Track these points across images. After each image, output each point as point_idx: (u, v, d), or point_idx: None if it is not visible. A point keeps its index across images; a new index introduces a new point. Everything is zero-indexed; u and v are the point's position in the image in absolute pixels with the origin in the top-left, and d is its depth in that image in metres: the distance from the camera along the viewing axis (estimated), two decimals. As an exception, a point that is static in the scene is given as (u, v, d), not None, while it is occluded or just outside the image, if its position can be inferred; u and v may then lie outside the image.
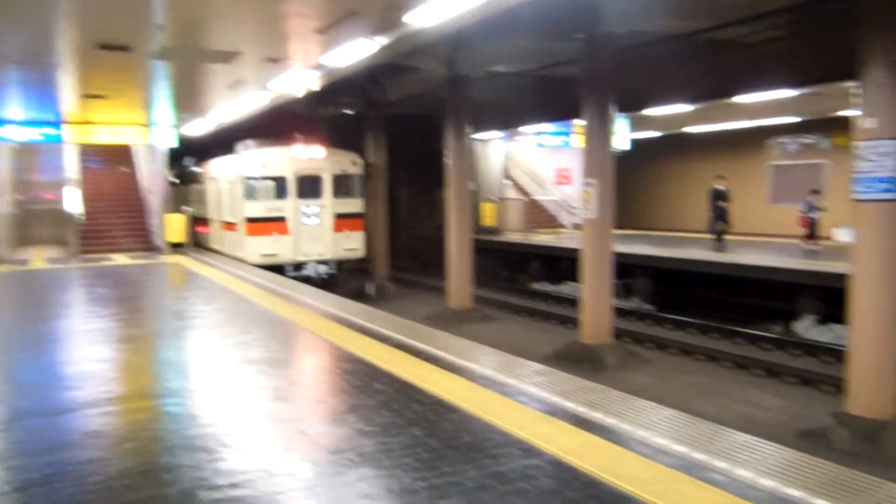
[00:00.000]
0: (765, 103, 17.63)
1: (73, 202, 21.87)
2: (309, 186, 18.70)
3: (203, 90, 14.94)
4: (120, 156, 25.86)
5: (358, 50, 9.93)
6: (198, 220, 24.04)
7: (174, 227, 20.95)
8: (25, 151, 25.36)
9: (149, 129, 19.92)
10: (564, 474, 4.35)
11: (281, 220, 18.28)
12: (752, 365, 12.20)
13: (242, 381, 6.73)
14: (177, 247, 20.86)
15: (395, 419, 5.47)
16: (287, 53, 10.75)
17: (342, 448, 4.84)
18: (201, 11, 8.54)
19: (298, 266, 18.38)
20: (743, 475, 4.24)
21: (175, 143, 20.49)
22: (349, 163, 19.40)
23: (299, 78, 12.46)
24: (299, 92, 14.67)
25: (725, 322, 15.00)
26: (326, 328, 9.13)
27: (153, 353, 8.42)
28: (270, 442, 5.02)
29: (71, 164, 23.16)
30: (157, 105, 17.03)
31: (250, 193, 18.14)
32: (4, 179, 21.91)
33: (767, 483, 4.13)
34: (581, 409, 5.53)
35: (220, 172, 21.31)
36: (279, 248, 18.17)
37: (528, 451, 4.73)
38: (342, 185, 19.24)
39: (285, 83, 12.98)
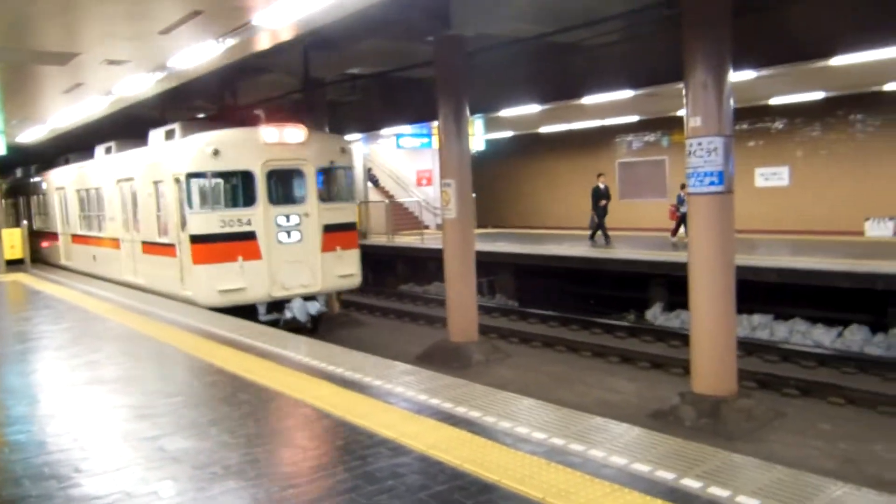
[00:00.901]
0: (609, 104, 18.70)
1: None
2: (285, 186, 13.20)
3: (37, 94, 13.93)
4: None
5: (205, 51, 9.64)
6: (41, 235, 22.39)
7: (11, 242, 19.38)
8: None
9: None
10: (431, 469, 4.46)
11: (247, 237, 12.31)
12: (609, 353, 12.92)
13: (95, 401, 6.37)
14: (14, 263, 19.30)
15: (260, 429, 5.37)
16: (130, 55, 10.25)
17: (205, 462, 4.71)
18: (33, 8, 7.99)
19: (276, 305, 12.63)
20: (596, 455, 4.52)
21: (3, 151, 18.91)
22: (338, 150, 13.69)
23: (145, 80, 11.92)
24: (146, 94, 14.05)
25: (584, 314, 15.79)
26: (186, 340, 8.80)
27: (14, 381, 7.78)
28: (129, 462, 4.80)
29: None
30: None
31: (197, 198, 12.16)
32: None
33: (618, 460, 4.42)
34: (447, 405, 5.68)
35: (96, 175, 17.27)
36: (246, 279, 12.19)
37: (396, 449, 4.80)
38: (330, 184, 13.80)
39: (130, 86, 12.36)
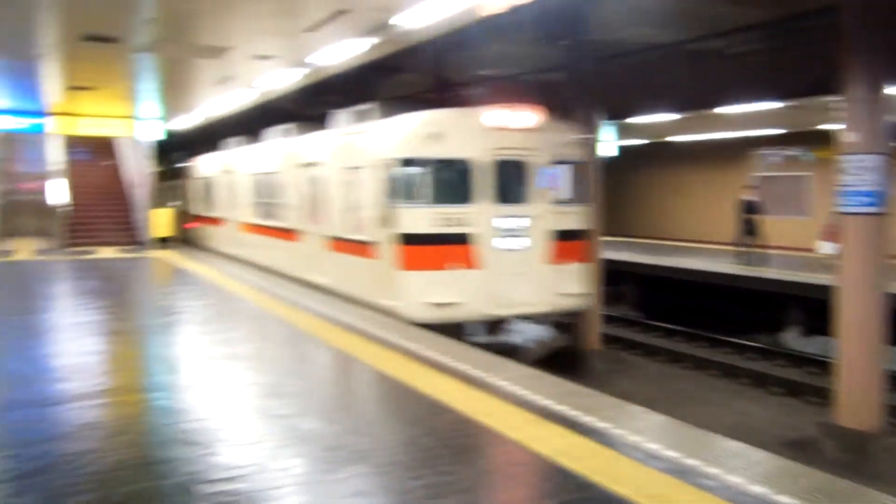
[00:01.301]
0: (746, 115, 17.83)
1: (58, 194, 21.67)
2: (507, 181, 10.67)
3: (191, 85, 14.87)
4: (106, 148, 25.66)
5: (344, 49, 9.95)
6: (188, 217, 23.86)
7: (161, 221, 20.81)
8: (9, 141, 25.12)
9: (134, 121, 19.80)
10: (558, 477, 4.38)
11: (462, 240, 10.21)
12: (739, 374, 12.32)
13: (232, 377, 6.70)
14: (163, 241, 20.72)
15: (389, 419, 5.47)
16: (275, 51, 10.74)
17: (336, 445, 4.84)
18: (192, 6, 8.52)
19: (493, 325, 10.43)
20: (734, 481, 4.29)
21: (162, 137, 20.37)
22: (570, 141, 11.35)
23: (286, 75, 12.47)
24: (286, 89, 14.58)
25: (712, 331, 15.14)
26: (321, 327, 9.11)
27: (141, 347, 8.36)
28: (263, 437, 5.01)
29: (56, 156, 22.97)
30: (143, 98, 16.92)
31: (407, 191, 10.22)
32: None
33: (758, 489, 4.18)
34: (572, 413, 5.57)
35: (271, 160, 15.79)
36: (461, 292, 10.07)
37: (523, 450, 4.76)
38: (561, 181, 11.43)
39: (272, 80, 12.97)
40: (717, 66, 14.25)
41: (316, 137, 13.71)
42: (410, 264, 10.05)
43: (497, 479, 4.33)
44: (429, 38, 10.45)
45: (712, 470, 4.46)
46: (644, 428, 5.25)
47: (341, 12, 8.29)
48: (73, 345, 8.11)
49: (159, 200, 21.65)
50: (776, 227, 19.39)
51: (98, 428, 5.24)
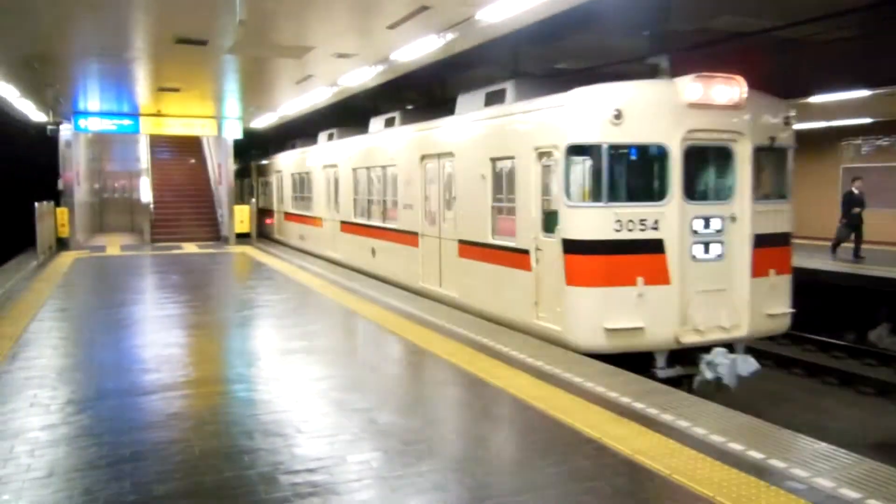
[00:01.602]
0: (836, 103, 17.06)
1: (145, 191, 22.65)
2: (704, 172, 8.72)
3: (272, 84, 15.24)
4: (190, 147, 26.64)
5: (426, 45, 10.00)
6: (266, 213, 24.50)
7: (242, 218, 21.48)
8: (99, 141, 26.39)
9: (217, 121, 20.46)
10: (638, 474, 4.32)
11: (653, 248, 8.06)
12: (824, 373, 11.84)
13: (309, 371, 6.86)
14: (242, 237, 21.37)
15: (463, 412, 5.51)
16: (357, 48, 10.88)
17: (412, 440, 4.91)
18: (278, 6, 8.72)
19: (683, 356, 8.29)
20: (823, 485, 4.14)
21: (240, 135, 20.98)
22: (782, 120, 8.96)
23: (367, 73, 12.59)
24: (365, 85, 14.62)
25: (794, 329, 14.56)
26: (392, 321, 9.23)
27: (223, 340, 8.66)
28: (342, 430, 5.11)
29: (144, 155, 24.00)
30: (226, 98, 17.45)
31: (581, 184, 8.24)
32: (82, 169, 22.77)
33: (850, 493, 4.02)
34: (652, 411, 5.48)
35: (382, 150, 14.19)
36: (646, 314, 7.94)
37: (601, 449, 4.71)
38: (765, 172, 9.09)
39: (353, 77, 13.13)
40: (803, 53, 13.70)
41: (443, 124, 11.46)
42: (580, 278, 7.95)
43: (580, 479, 4.30)
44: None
45: (799, 472, 4.32)
46: (726, 428, 5.11)
47: (424, 8, 8.31)
48: (159, 336, 8.47)
49: (240, 197, 22.29)
50: (866, 220, 18.52)
51: (184, 418, 5.46)
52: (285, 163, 22.73)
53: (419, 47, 10.23)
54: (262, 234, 23.28)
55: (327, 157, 17.98)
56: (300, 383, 6.37)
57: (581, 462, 4.50)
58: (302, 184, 20.54)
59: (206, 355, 7.81)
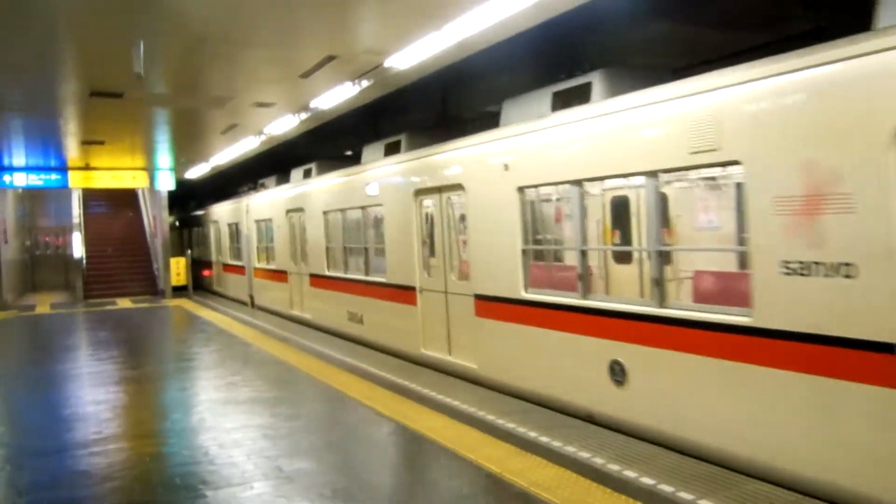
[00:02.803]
0: None
1: (76, 247, 22.23)
2: None
3: (199, 135, 15.25)
4: (124, 200, 26.28)
5: (343, 92, 10.21)
6: (201, 265, 24.09)
7: (178, 270, 21.24)
8: (30, 197, 25.88)
9: (149, 173, 20.31)
10: (531, 504, 4.42)
11: None
12: None
13: (231, 419, 6.83)
14: (178, 290, 21.09)
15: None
16: (275, 97, 11.02)
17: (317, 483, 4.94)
18: (180, 63, 8.87)
19: None
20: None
21: (173, 187, 20.81)
22: None
23: (290, 121, 12.72)
24: (292, 133, 14.67)
25: None
26: (328, 372, 9.24)
27: (143, 394, 8.54)
28: (251, 478, 5.11)
29: (75, 209, 23.58)
30: (157, 150, 17.37)
31: None
32: (10, 225, 22.28)
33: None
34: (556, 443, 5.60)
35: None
36: None
37: (499, 483, 4.81)
38: None
39: (278, 126, 13.25)
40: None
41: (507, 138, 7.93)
42: None
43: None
44: None
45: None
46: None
47: (331, 57, 8.52)
48: (81, 392, 8.37)
49: (175, 250, 22.04)
50: None
51: (91, 476, 5.39)
52: (225, 212, 21.76)
53: (336, 95, 10.42)
54: (199, 286, 23.00)
55: (282, 202, 16.09)
56: (216, 432, 6.33)
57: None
58: (239, 234, 19.68)
59: (122, 411, 7.69)
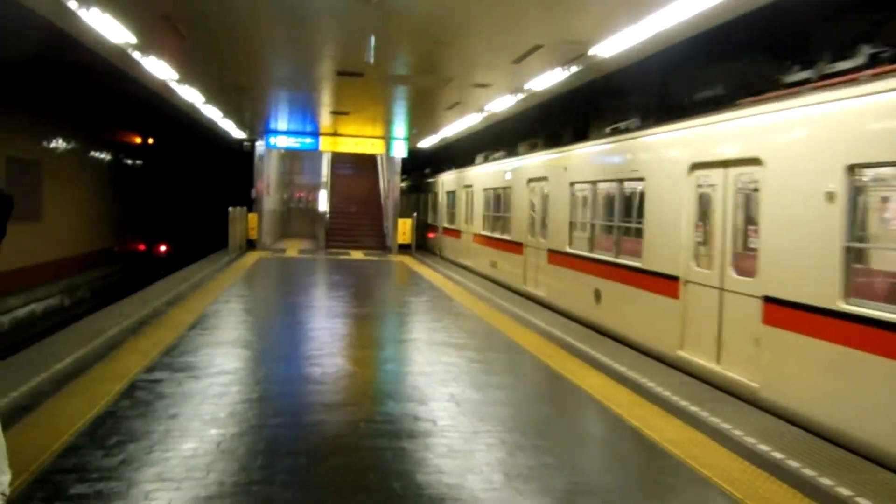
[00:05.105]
0: None
1: (323, 203, 25.37)
2: None
3: (428, 110, 16.89)
4: (366, 164, 29.20)
5: (553, 76, 11.05)
6: (429, 227, 26.06)
7: (404, 230, 23.53)
8: (290, 157, 29.71)
9: (385, 141, 22.64)
10: None
11: None
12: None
13: (424, 356, 8.18)
14: (403, 248, 23.33)
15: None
16: (490, 79, 12.17)
17: (477, 407, 6.02)
18: (409, 49, 10.32)
19: None
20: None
21: (405, 154, 23.04)
22: None
23: (507, 100, 13.83)
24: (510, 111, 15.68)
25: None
26: (520, 330, 10.35)
27: (373, 330, 10.23)
28: (428, 398, 6.33)
29: (324, 170, 26.83)
30: (393, 121, 19.44)
31: None
32: (272, 180, 25.87)
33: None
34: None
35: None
36: None
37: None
38: None
39: (497, 104, 14.42)
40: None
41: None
42: None
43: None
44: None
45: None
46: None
47: (538, 46, 9.42)
48: (316, 319, 10.34)
49: (404, 211, 24.25)
50: None
51: (310, 377, 6.95)
52: (454, 180, 22.02)
53: (548, 78, 11.29)
54: (421, 246, 25.06)
55: (521, 171, 15.28)
56: (410, 366, 7.69)
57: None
58: (473, 202, 19.34)
59: (342, 336, 9.37)
